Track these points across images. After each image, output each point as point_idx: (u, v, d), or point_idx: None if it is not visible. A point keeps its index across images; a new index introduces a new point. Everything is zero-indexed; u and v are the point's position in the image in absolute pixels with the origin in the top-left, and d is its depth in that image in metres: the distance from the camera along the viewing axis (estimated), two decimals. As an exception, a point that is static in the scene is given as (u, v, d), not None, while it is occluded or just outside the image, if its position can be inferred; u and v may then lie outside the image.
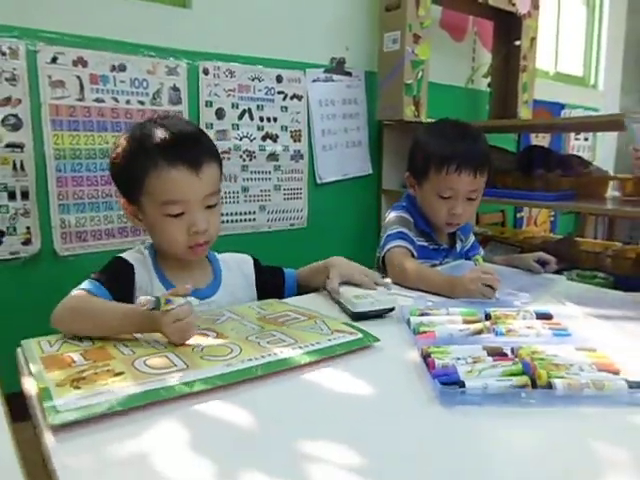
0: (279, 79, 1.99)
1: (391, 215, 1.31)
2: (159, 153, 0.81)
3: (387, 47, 2.10)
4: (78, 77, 1.59)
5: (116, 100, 1.67)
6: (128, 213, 0.89)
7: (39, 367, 0.65)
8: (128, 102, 1.70)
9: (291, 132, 2.04)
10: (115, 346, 0.72)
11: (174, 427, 0.54)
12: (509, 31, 2.62)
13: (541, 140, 3.21)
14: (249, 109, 1.93)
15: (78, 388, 0.59)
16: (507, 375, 0.58)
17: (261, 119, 1.96)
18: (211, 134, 1.83)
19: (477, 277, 0.96)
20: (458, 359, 0.63)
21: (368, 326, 0.81)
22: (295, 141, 2.05)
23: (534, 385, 0.57)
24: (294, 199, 2.12)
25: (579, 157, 2.41)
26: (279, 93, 2.00)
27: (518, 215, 3.22)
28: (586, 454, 0.49)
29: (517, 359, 0.62)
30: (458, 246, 1.33)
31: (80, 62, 1.59)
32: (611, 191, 2.24)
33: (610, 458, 0.48)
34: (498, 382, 0.57)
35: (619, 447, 0.50)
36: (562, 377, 0.57)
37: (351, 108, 2.24)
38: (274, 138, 2.01)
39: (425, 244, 1.28)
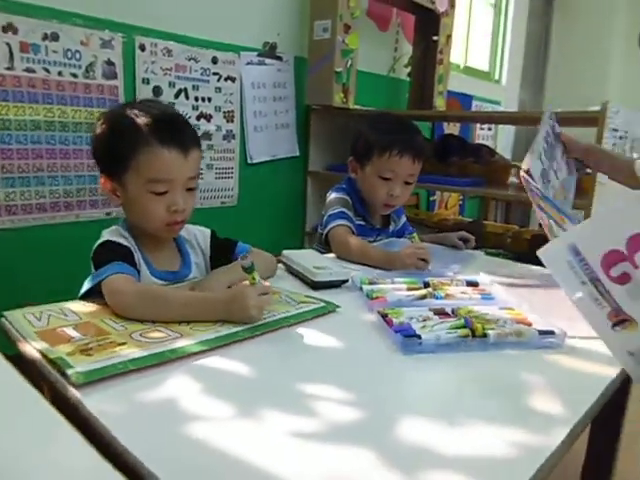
0: (214, 60, 2.04)
1: (332, 196, 1.44)
2: (152, 133, 0.87)
3: (317, 35, 2.22)
4: (8, 44, 1.54)
5: (47, 71, 1.64)
6: (107, 189, 0.93)
7: (42, 344, 0.69)
8: (60, 74, 1.67)
9: (224, 112, 2.10)
10: (104, 321, 0.78)
11: (185, 379, 0.63)
12: (428, 26, 2.83)
13: (452, 128, 3.50)
14: (185, 89, 1.96)
15: (90, 355, 0.66)
16: (453, 329, 0.74)
17: (196, 99, 2.00)
18: (147, 111, 1.85)
19: (412, 252, 1.13)
20: (411, 318, 0.79)
21: (325, 295, 0.95)
22: (228, 121, 2.11)
23: (473, 335, 0.73)
24: (225, 178, 2.19)
25: (487, 146, 2.71)
26: (214, 74, 2.05)
27: (431, 198, 3.51)
28: (511, 382, 0.66)
29: (458, 317, 0.79)
30: (391, 227, 1.51)
31: (10, 29, 1.54)
32: (512, 178, 2.55)
33: (528, 384, 0.66)
34: (447, 334, 0.73)
35: (534, 376, 0.68)
36: (493, 329, 0.74)
37: (281, 91, 2.34)
38: (208, 118, 2.06)
39: (362, 223, 1.43)
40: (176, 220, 0.92)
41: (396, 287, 0.98)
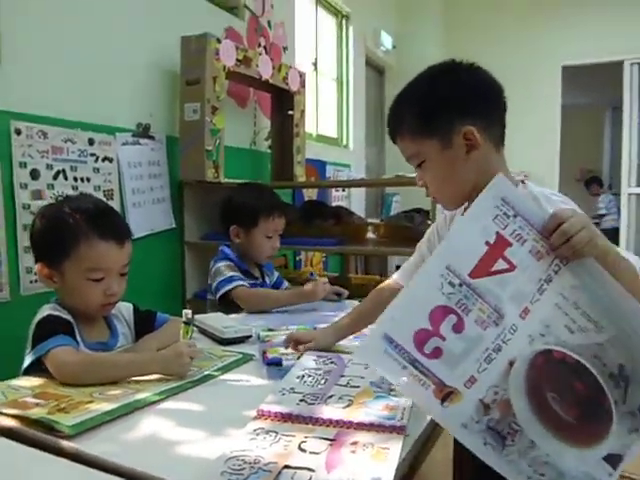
0: (91, 142, 2.22)
1: (218, 265, 1.75)
2: (92, 226, 1.06)
3: (188, 116, 2.52)
4: None
5: None
6: (43, 275, 1.09)
7: (15, 411, 0.84)
8: None
9: (104, 191, 2.27)
10: (57, 389, 0.94)
11: (155, 419, 0.86)
12: (283, 102, 3.29)
13: (311, 192, 3.97)
14: (63, 170, 2.10)
15: (68, 412, 0.84)
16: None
17: (75, 179, 2.15)
18: (26, 194, 1.97)
19: (325, 287, 1.56)
20: (283, 354, 1.12)
21: (236, 348, 1.22)
22: (108, 199, 2.27)
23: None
24: (106, 254, 2.32)
25: (345, 208, 3.17)
26: (91, 155, 2.22)
27: (297, 258, 3.89)
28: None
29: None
30: (267, 279, 1.86)
31: None
32: (370, 234, 3.02)
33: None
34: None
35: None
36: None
37: (155, 169, 2.57)
38: (87, 197, 2.20)
39: (248, 279, 1.74)
40: (110, 302, 1.12)
41: (288, 331, 1.28)
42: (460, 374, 0.67)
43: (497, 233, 0.67)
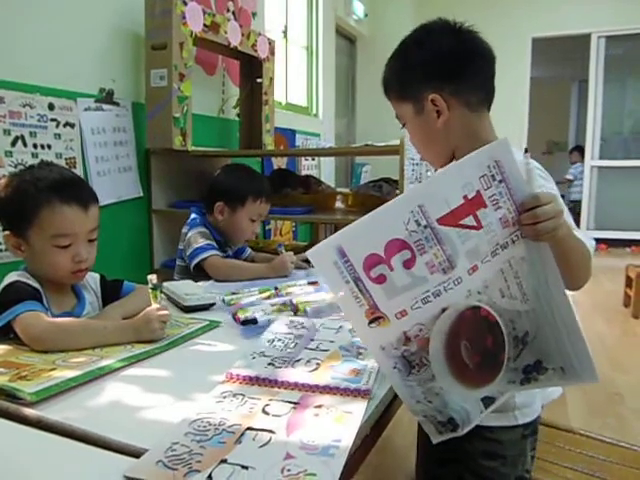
0: (51, 107, 2.14)
1: (193, 232, 1.73)
2: (54, 192, 1.03)
3: (154, 82, 2.44)
4: None
5: None
6: (11, 245, 1.06)
7: None
8: None
9: (66, 159, 2.20)
10: (19, 358, 0.93)
11: (119, 385, 0.85)
12: (252, 70, 3.22)
13: (280, 160, 3.93)
14: (22, 136, 2.03)
15: (30, 380, 0.82)
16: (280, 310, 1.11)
17: (35, 146, 2.08)
18: (-17, 161, 1.90)
19: (289, 259, 1.58)
20: (256, 312, 1.13)
21: (202, 315, 1.22)
22: (71, 168, 2.21)
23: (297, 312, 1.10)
24: (71, 223, 2.26)
25: (314, 177, 3.16)
26: (52, 120, 2.14)
27: (267, 227, 3.87)
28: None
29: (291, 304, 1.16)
30: (230, 250, 1.85)
31: None
32: (338, 204, 3.03)
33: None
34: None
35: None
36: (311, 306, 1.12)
37: (120, 136, 2.50)
38: (49, 165, 2.13)
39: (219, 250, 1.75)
40: (81, 268, 1.09)
41: (251, 293, 1.30)
42: (395, 305, 0.69)
43: (477, 192, 0.68)
